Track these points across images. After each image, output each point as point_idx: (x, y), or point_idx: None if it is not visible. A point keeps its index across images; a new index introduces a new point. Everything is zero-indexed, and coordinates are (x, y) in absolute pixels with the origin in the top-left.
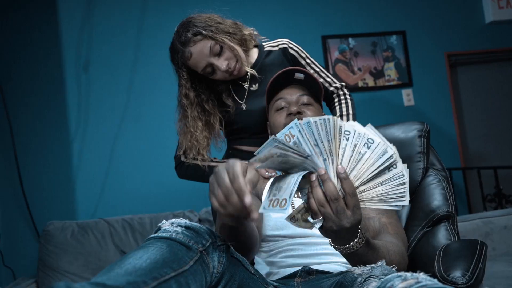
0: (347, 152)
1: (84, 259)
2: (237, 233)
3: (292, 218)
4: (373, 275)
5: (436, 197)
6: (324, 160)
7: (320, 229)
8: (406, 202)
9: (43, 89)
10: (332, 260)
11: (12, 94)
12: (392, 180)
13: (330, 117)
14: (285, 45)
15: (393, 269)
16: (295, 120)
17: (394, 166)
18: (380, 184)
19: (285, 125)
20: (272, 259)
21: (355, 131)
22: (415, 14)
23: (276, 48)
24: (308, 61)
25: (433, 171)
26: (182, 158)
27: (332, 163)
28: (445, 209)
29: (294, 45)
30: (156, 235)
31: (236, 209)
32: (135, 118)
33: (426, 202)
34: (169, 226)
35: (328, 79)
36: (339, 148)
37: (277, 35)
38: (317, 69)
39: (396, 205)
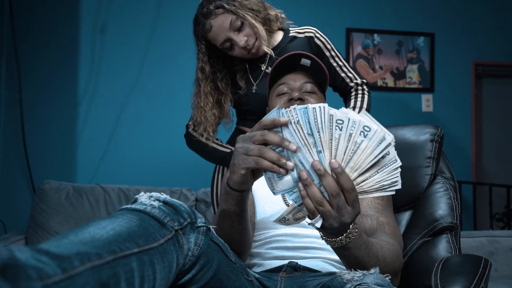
0: (342, 143)
1: (75, 222)
2: (235, 230)
3: (281, 220)
4: (364, 283)
5: (441, 206)
6: (319, 152)
7: (320, 228)
8: (399, 185)
9: (57, 47)
10: (319, 255)
11: (26, 49)
12: (386, 166)
13: (325, 105)
14: (312, 34)
15: (387, 278)
16: (282, 110)
17: (387, 153)
18: (376, 173)
19: None
20: (258, 250)
21: (349, 119)
22: (447, 17)
23: (302, 35)
24: (332, 53)
25: (441, 179)
26: (190, 130)
27: (324, 156)
28: (449, 219)
29: (321, 35)
30: (129, 206)
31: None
32: (146, 88)
33: (429, 210)
34: (146, 199)
35: (350, 75)
36: (331, 140)
37: (301, 22)
38: (340, 63)
39: (391, 190)
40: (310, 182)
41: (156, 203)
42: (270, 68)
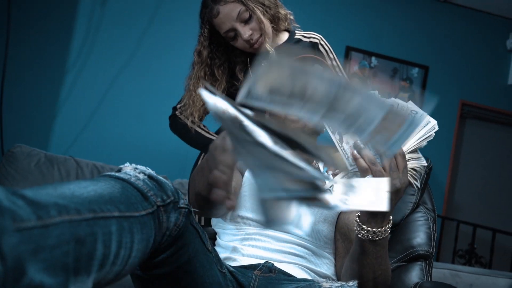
0: None
1: None
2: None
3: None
4: None
5: (420, 234)
6: None
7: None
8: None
9: (54, 11)
10: (297, 262)
11: (20, 6)
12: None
13: (376, 91)
14: (317, 41)
15: None
16: None
17: (430, 138)
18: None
19: None
20: (236, 245)
21: (398, 104)
22: (443, 53)
23: (307, 40)
24: (334, 63)
25: (423, 209)
26: (177, 112)
27: None
28: (425, 248)
29: (325, 43)
30: (112, 173)
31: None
32: (138, 69)
33: (407, 237)
34: (131, 170)
35: None
36: None
37: (303, 28)
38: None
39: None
40: (364, 147)
41: (141, 176)
42: None
